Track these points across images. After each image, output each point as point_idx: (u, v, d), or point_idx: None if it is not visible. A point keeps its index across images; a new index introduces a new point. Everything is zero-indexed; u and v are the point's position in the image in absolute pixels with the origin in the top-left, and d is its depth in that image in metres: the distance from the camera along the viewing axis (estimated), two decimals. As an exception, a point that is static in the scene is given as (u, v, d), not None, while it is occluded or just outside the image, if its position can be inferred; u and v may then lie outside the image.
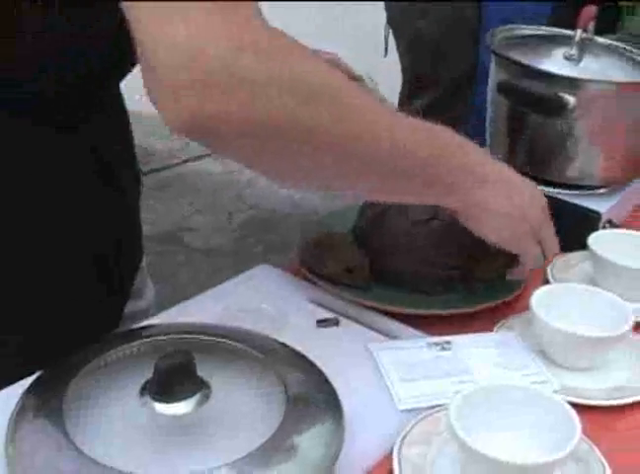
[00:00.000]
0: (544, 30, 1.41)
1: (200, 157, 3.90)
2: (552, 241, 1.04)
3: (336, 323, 1.00)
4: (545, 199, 1.02)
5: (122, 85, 1.09)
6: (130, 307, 1.17)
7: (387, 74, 2.47)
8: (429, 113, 2.27)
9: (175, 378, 0.74)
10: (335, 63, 1.09)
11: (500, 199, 0.95)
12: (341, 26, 3.41)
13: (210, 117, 0.69)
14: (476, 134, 1.39)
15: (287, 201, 3.44)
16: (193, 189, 3.62)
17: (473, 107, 1.90)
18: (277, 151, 0.76)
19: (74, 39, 0.88)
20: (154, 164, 3.81)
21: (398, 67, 2.41)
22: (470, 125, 2.05)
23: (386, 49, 2.35)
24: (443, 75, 2.19)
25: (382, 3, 2.32)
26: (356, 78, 1.11)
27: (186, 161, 3.88)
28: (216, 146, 0.76)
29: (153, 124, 4.26)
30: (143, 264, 1.25)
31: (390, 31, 2.29)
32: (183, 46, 0.67)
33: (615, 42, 1.36)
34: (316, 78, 0.74)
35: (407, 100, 2.37)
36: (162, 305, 1.10)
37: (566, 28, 1.34)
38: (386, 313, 1.02)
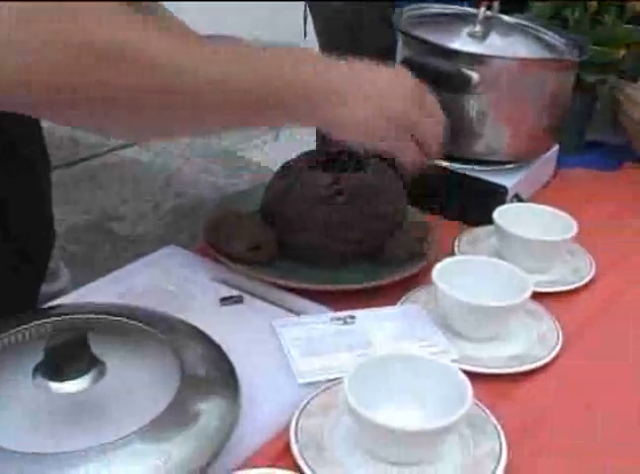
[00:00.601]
0: (452, 8, 1.42)
1: (126, 145, 3.86)
2: (430, 136, 1.02)
3: (240, 300, 1.00)
4: (420, 90, 1.00)
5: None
6: (45, 289, 1.16)
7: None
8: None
9: (67, 356, 0.74)
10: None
11: (355, 107, 0.92)
12: (260, 7, 3.40)
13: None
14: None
15: (214, 188, 3.42)
16: (120, 178, 3.58)
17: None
18: (88, 111, 0.76)
19: None
20: (82, 153, 3.77)
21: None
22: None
23: (305, 30, 2.35)
24: (360, 55, 2.19)
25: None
26: None
27: (113, 150, 3.84)
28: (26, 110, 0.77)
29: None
30: (55, 247, 1.24)
31: (308, 11, 2.29)
32: None
33: (521, 21, 1.38)
34: (105, 36, 0.72)
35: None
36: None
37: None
38: (292, 290, 1.02)
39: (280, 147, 1.05)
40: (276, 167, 1.13)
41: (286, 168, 1.11)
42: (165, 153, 3.72)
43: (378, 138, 0.96)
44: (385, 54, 2.09)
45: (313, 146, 1.32)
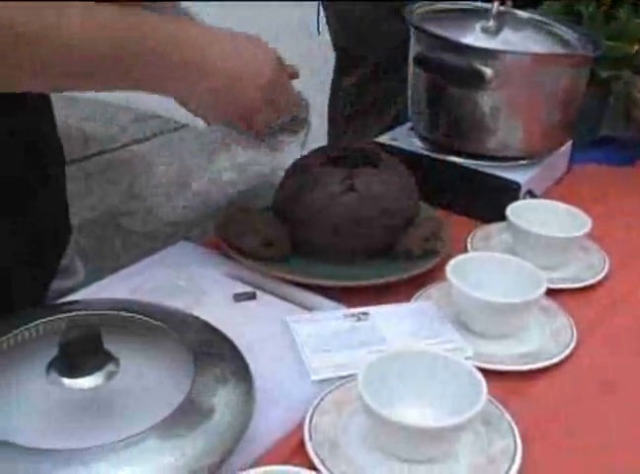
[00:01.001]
0: (464, 4, 1.41)
1: (138, 141, 3.86)
2: (282, 104, 0.99)
3: (253, 296, 1.00)
4: (274, 55, 0.96)
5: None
6: (58, 285, 1.16)
7: (323, 52, 2.48)
8: (360, 88, 2.28)
9: (80, 352, 0.74)
10: None
11: (216, 80, 0.91)
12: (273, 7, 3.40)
13: None
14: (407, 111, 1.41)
15: (225, 184, 3.43)
16: (130, 173, 3.59)
17: (405, 82, 1.90)
18: None
19: None
20: (93, 148, 3.77)
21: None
22: (403, 101, 2.06)
23: (319, 27, 2.34)
24: (373, 51, 2.18)
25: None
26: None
27: (124, 146, 3.85)
28: None
29: (91, 109, 4.21)
30: (72, 242, 1.24)
31: (321, 7, 2.28)
32: None
33: (535, 16, 1.38)
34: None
35: (339, 76, 2.37)
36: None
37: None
38: (304, 286, 1.02)
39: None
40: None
41: (298, 165, 1.11)
42: (178, 148, 3.72)
43: (238, 108, 0.96)
44: (398, 50, 2.10)
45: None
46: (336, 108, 2.44)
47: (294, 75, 1.03)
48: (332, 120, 2.48)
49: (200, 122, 1.01)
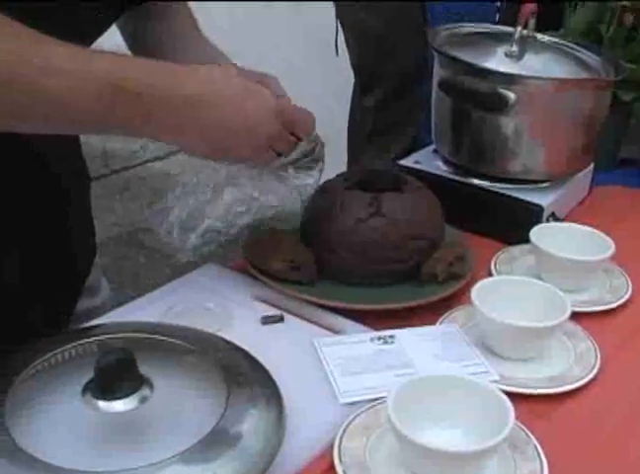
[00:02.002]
0: (488, 28, 1.43)
1: (159, 158, 3.89)
2: (284, 145, 1.00)
3: (281, 319, 1.02)
4: (273, 104, 0.96)
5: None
6: (85, 304, 1.18)
7: (342, 72, 2.49)
8: (379, 108, 2.30)
9: (116, 376, 0.76)
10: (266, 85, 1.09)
11: (201, 145, 0.92)
12: (291, 24, 3.41)
13: None
14: (427, 130, 1.42)
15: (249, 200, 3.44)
16: (151, 190, 3.61)
17: (424, 102, 1.92)
18: None
19: None
20: (113, 166, 3.80)
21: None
22: (421, 121, 2.07)
23: (337, 47, 2.36)
24: (391, 71, 2.20)
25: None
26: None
27: (145, 162, 3.87)
28: None
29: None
30: (97, 261, 1.26)
31: (340, 27, 2.30)
32: None
33: (557, 39, 1.39)
34: None
35: (358, 96, 2.39)
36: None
37: (513, 26, 1.36)
38: (331, 309, 1.03)
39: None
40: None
41: (325, 188, 1.12)
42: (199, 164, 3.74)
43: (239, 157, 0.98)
44: (416, 70, 2.12)
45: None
46: (355, 127, 2.46)
47: (294, 118, 1.00)
48: (352, 140, 2.50)
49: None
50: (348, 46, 2.31)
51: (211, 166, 1.03)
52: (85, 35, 0.98)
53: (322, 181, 1.13)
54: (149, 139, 0.92)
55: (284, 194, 1.04)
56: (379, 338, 0.98)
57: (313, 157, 1.04)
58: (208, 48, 1.19)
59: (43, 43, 0.80)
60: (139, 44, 1.21)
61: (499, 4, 2.10)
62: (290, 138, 1.00)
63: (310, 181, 1.05)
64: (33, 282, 1.05)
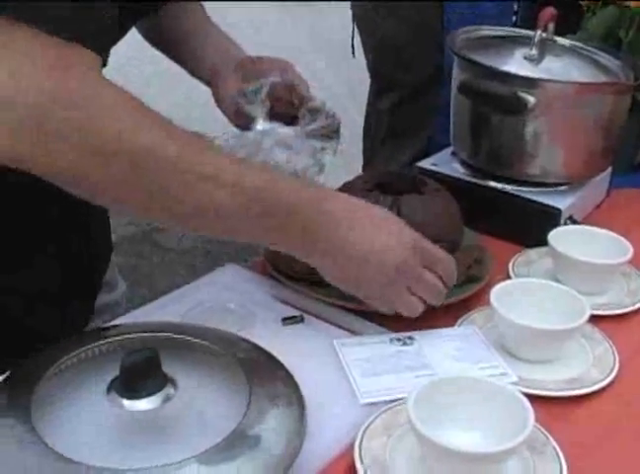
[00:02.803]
0: (506, 30, 1.44)
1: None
2: (428, 291, 0.98)
3: (301, 320, 1.03)
4: (410, 239, 0.96)
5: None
6: (103, 299, 1.20)
7: (358, 75, 2.50)
8: (394, 113, 2.30)
9: (141, 375, 0.77)
10: (285, 70, 1.12)
11: (334, 268, 0.94)
12: (310, 27, 3.43)
13: (17, 158, 0.77)
14: (442, 134, 1.43)
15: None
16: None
17: (439, 108, 1.93)
18: (89, 192, 0.83)
19: None
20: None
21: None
22: (438, 124, 2.08)
23: (353, 50, 2.36)
24: (408, 76, 2.21)
25: (349, 3, 2.33)
26: (301, 96, 1.13)
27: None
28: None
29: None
30: (113, 257, 1.28)
31: (357, 31, 2.31)
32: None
33: (576, 43, 1.39)
34: (115, 136, 0.78)
35: (374, 99, 2.39)
36: (138, 305, 1.12)
37: (531, 28, 1.36)
38: (351, 310, 1.04)
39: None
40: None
41: (344, 190, 1.12)
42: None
43: (372, 293, 0.97)
44: (432, 73, 2.13)
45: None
46: (371, 129, 2.47)
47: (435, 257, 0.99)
48: (367, 142, 2.51)
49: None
50: (365, 51, 2.32)
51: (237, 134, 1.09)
52: (109, 38, 0.99)
53: (338, 185, 1.15)
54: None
55: (303, 160, 1.09)
56: (398, 339, 0.99)
57: (332, 129, 1.10)
58: (226, 41, 1.24)
59: (205, 149, 0.85)
60: (156, 41, 1.23)
61: (516, 7, 2.10)
62: (434, 282, 0.97)
63: (329, 147, 1.10)
64: (57, 278, 1.07)
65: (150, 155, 0.80)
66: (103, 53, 0.83)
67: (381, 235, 0.93)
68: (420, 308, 0.98)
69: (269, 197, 0.87)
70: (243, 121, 1.13)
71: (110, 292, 1.25)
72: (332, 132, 1.11)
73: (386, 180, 1.16)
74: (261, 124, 1.11)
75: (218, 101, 1.20)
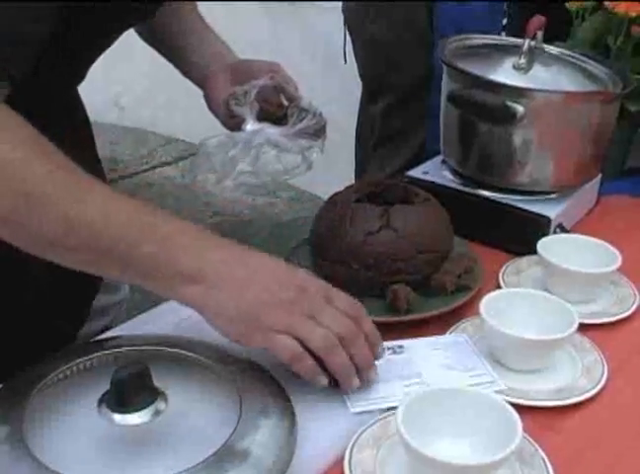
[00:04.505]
0: (495, 39, 1.44)
1: (165, 164, 3.92)
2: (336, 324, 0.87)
3: (292, 331, 1.03)
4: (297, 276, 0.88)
5: (83, 97, 1.14)
6: (103, 301, 1.22)
7: (349, 80, 2.51)
8: (386, 118, 2.30)
9: (131, 389, 0.77)
10: (274, 72, 1.14)
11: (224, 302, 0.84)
12: (303, 31, 3.43)
13: None
14: (433, 140, 1.44)
15: (251, 208, 3.46)
16: (159, 195, 3.63)
17: (429, 112, 1.93)
18: None
19: None
20: (120, 172, 3.83)
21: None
22: (427, 131, 2.08)
23: (345, 56, 2.36)
24: (398, 80, 2.21)
25: (339, 8, 2.33)
26: (289, 96, 1.15)
27: (152, 168, 3.90)
28: None
29: (117, 134, 4.25)
30: None
31: (349, 37, 2.31)
32: None
33: (564, 51, 1.40)
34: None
35: (365, 104, 2.39)
36: (131, 311, 1.14)
37: (521, 30, 1.36)
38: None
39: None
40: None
41: (334, 202, 1.13)
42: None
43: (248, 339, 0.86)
44: (423, 78, 2.13)
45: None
46: (363, 135, 2.47)
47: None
48: (359, 147, 2.51)
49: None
50: (355, 55, 2.32)
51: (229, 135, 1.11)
52: (109, 38, 1.02)
53: (330, 192, 1.17)
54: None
55: (292, 158, 1.12)
56: (388, 348, 1.00)
57: (318, 128, 1.13)
58: (219, 44, 1.26)
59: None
60: (149, 40, 1.25)
61: (506, 7, 2.09)
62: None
63: (316, 145, 1.13)
64: (54, 277, 1.08)
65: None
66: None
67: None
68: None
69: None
70: (234, 123, 1.15)
71: (112, 294, 1.27)
72: (318, 131, 1.14)
73: (375, 190, 1.17)
74: (251, 125, 1.13)
75: (210, 103, 1.22)
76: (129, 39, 1.12)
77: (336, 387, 0.90)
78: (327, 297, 0.88)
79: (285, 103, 1.16)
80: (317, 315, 0.86)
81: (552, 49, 1.39)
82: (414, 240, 1.07)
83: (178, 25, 1.24)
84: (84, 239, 0.81)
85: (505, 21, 2.14)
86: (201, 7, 1.29)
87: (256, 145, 1.10)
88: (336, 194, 1.16)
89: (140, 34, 1.26)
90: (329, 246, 1.09)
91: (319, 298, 0.87)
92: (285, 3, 3.35)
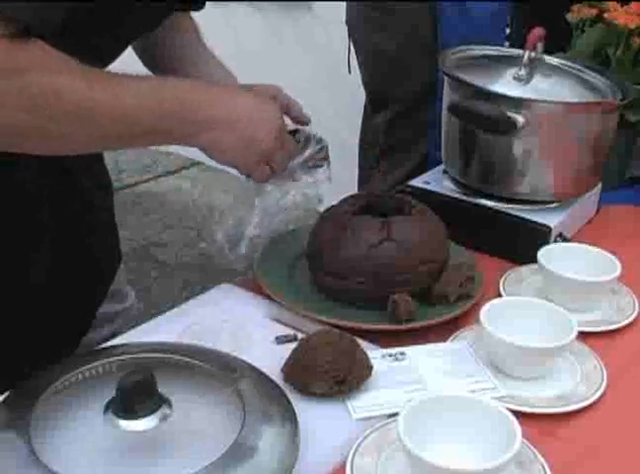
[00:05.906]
0: (496, 50, 1.46)
1: (170, 173, 3.93)
2: (278, 164, 1.09)
3: (295, 339, 1.04)
4: (277, 126, 1.06)
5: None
6: (109, 308, 1.23)
7: (354, 92, 2.52)
8: (390, 128, 2.31)
9: (137, 396, 0.78)
10: (275, 96, 1.16)
11: (227, 138, 1.01)
12: (308, 42, 3.45)
13: None
14: (437, 149, 1.45)
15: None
16: (163, 204, 3.65)
17: (433, 122, 1.94)
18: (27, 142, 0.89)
19: None
20: (126, 180, 3.84)
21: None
22: (430, 140, 2.09)
23: (349, 67, 2.38)
24: (402, 91, 2.22)
25: (340, 19, 2.34)
26: (295, 116, 1.17)
27: (157, 177, 3.91)
28: None
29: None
30: (122, 268, 1.30)
31: (352, 47, 2.32)
32: None
33: (564, 61, 1.41)
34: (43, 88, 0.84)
35: (369, 115, 2.40)
36: (136, 319, 1.15)
37: (523, 40, 1.37)
38: (344, 329, 1.05)
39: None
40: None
41: (332, 214, 1.15)
42: (207, 182, 3.77)
43: (240, 164, 1.07)
44: (427, 88, 2.14)
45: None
46: (366, 145, 2.48)
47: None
48: (362, 158, 2.52)
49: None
50: (360, 66, 2.33)
51: (240, 180, 1.14)
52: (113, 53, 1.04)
53: (330, 203, 1.18)
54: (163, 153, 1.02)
55: (300, 193, 1.15)
56: (390, 355, 1.01)
57: (322, 156, 1.15)
58: (213, 61, 1.27)
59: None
60: (149, 57, 1.26)
61: (509, 19, 2.10)
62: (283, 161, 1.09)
63: (322, 177, 1.15)
64: (58, 283, 1.10)
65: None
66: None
67: (258, 103, 1.06)
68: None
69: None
70: None
71: (118, 302, 1.29)
72: (322, 159, 1.15)
73: (372, 202, 1.18)
74: None
75: None
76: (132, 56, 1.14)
77: (338, 393, 0.92)
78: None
79: (292, 126, 1.16)
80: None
81: (552, 60, 1.40)
82: (415, 252, 1.08)
83: (178, 52, 1.24)
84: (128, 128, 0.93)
85: (508, 31, 2.16)
86: (198, 18, 1.29)
87: (260, 199, 1.14)
88: (332, 207, 1.17)
89: (142, 58, 1.26)
90: (329, 259, 1.11)
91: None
92: (285, 15, 3.36)
